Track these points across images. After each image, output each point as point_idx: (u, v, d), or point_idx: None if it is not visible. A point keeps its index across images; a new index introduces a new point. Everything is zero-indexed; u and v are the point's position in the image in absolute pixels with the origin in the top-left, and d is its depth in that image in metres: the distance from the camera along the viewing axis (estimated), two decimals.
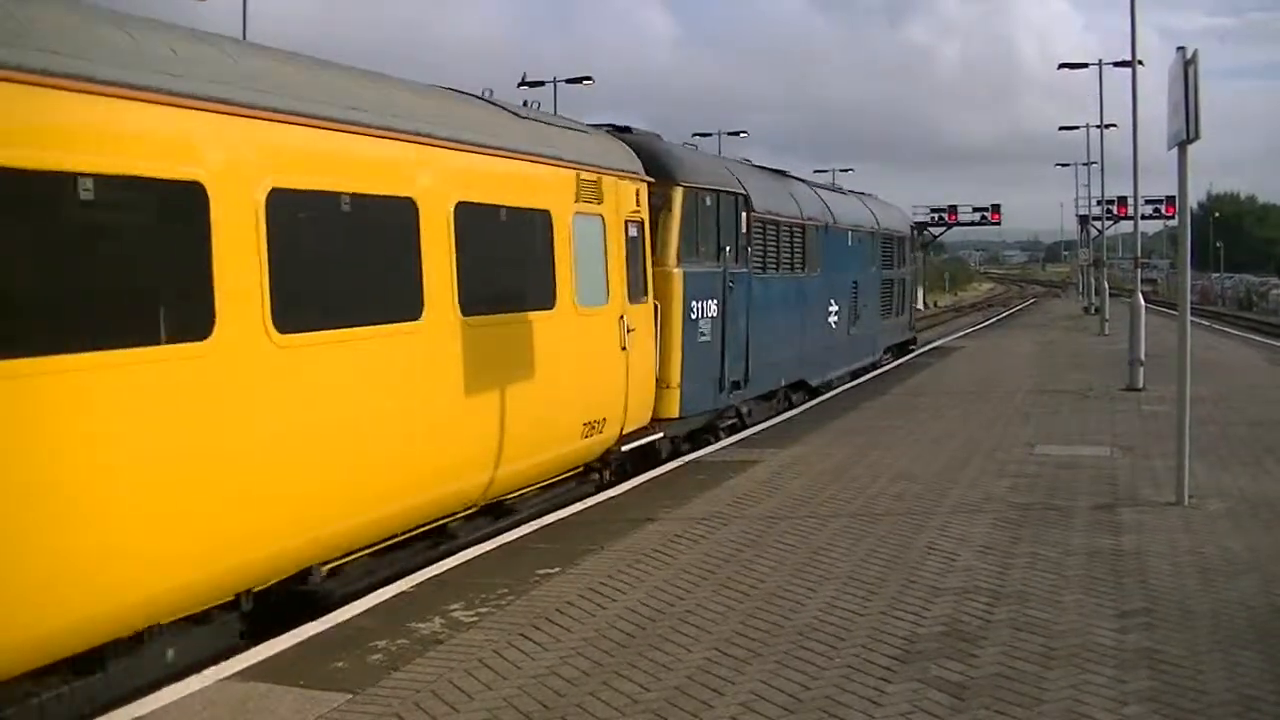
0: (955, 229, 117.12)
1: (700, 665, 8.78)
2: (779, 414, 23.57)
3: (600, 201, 15.83)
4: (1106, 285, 54.51)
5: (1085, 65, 55.02)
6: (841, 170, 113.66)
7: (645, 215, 17.38)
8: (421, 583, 11.21)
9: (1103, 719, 7.64)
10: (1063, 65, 55.32)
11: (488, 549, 12.56)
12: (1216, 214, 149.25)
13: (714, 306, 19.54)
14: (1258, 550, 11.96)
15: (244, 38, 30.84)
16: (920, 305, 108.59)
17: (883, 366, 34.02)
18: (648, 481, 16.30)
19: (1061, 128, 74.95)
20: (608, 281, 15.99)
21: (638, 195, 17.19)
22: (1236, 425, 20.42)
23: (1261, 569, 11.24)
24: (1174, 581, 10.84)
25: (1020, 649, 9.01)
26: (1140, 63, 30.88)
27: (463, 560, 12.07)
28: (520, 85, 55.37)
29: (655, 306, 17.52)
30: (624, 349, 16.30)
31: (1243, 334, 50.36)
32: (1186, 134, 13.62)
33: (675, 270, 18.30)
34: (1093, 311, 60.96)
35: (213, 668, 9.00)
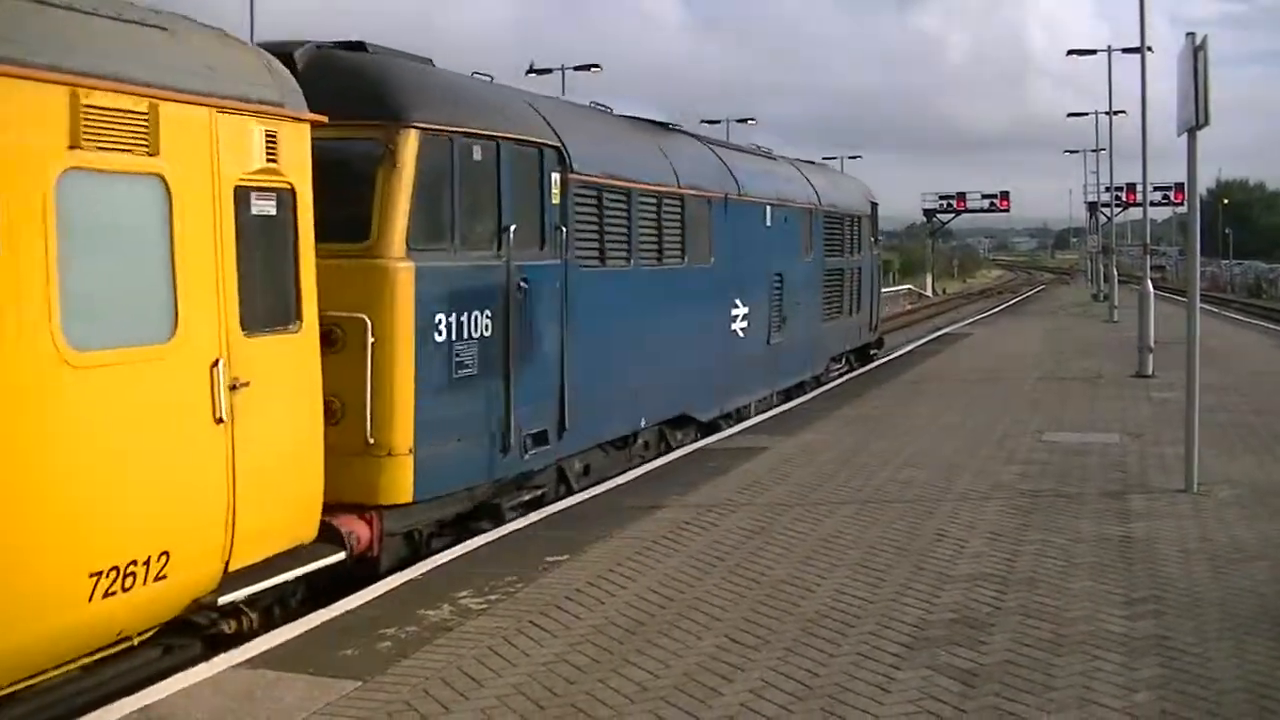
0: (964, 216, 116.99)
1: (709, 653, 8.78)
2: (644, 464, 16.77)
3: (155, 150, 8.57)
4: (1115, 272, 54.45)
5: (1094, 52, 54.87)
6: (850, 157, 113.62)
7: (301, 178, 10.08)
8: (431, 570, 11.21)
9: (1112, 705, 7.64)
10: (1072, 52, 55.12)
11: (496, 537, 12.55)
12: (1225, 201, 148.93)
13: (487, 319, 12.60)
14: (1267, 537, 11.94)
15: (251, 32, 30.75)
16: (929, 292, 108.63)
17: (830, 382, 27.05)
18: (656, 469, 16.27)
19: (1070, 114, 74.59)
20: (176, 298, 8.74)
21: (272, 142, 9.74)
22: (1246, 412, 20.40)
23: (1271, 556, 11.23)
24: (1183, 568, 10.83)
25: (1030, 636, 9.01)
26: (1149, 49, 30.86)
27: (472, 548, 12.07)
28: (528, 73, 55.43)
29: (365, 324, 11.03)
30: (221, 420, 9.02)
31: (1252, 321, 50.27)
32: (1196, 120, 13.60)
33: (398, 264, 11.44)
34: (1101, 298, 60.90)
35: (221, 655, 9.00)
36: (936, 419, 20.34)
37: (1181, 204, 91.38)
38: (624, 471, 16.13)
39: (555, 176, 14.02)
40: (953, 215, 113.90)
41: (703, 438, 19.01)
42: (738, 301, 20.54)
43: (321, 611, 10.01)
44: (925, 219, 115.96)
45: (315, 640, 9.27)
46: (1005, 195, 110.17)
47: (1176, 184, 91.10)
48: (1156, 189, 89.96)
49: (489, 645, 9.02)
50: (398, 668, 8.60)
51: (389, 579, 10.95)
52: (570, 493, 14.73)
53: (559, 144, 14.20)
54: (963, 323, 51.54)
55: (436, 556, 11.76)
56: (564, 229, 14.10)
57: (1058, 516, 12.92)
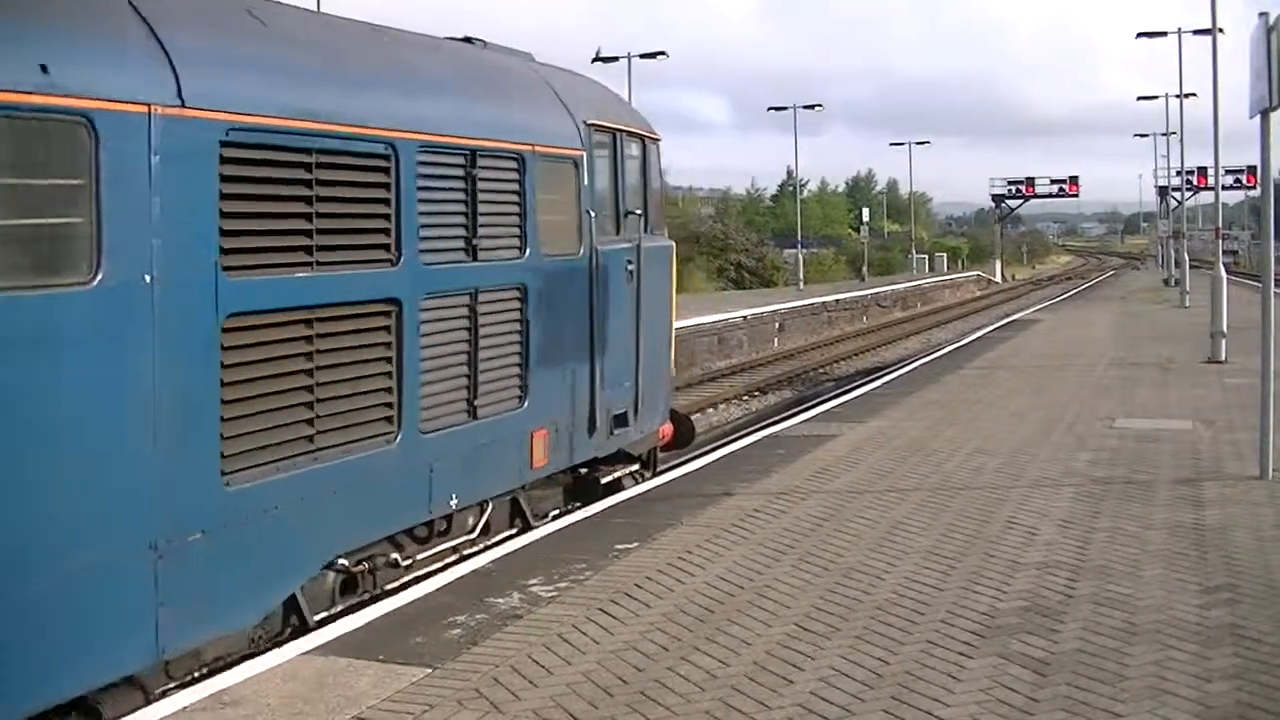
0: (1033, 201, 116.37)
1: (778, 640, 8.76)
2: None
3: None
4: (1186, 257, 53.82)
5: (1164, 34, 54.27)
6: (918, 143, 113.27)
7: None
8: (500, 558, 11.25)
9: (1187, 696, 7.56)
10: (1141, 34, 54.58)
11: (566, 524, 12.59)
12: None
13: None
14: None
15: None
16: (998, 278, 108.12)
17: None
18: (726, 456, 16.27)
19: (1140, 98, 74.07)
20: None
21: None
22: None
23: None
24: (1258, 556, 10.71)
25: (1102, 625, 8.93)
26: (1220, 30, 30.50)
27: (541, 535, 12.11)
28: (594, 61, 55.54)
29: None
30: None
31: None
32: (1269, 101, 13.43)
33: None
34: (1173, 284, 60.35)
35: (292, 643, 9.07)
36: (1007, 405, 20.21)
37: (1254, 187, 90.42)
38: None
39: None
40: (1021, 201, 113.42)
41: None
42: None
43: (391, 599, 10.07)
44: (994, 204, 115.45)
45: (386, 628, 9.31)
46: (1074, 180, 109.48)
47: (1249, 167, 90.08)
48: (1228, 172, 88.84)
49: (558, 633, 9.04)
50: (468, 655, 8.63)
51: (458, 567, 10.99)
52: None
53: None
54: (1032, 309, 51.26)
55: (506, 544, 11.81)
56: None
57: (1130, 504, 12.81)
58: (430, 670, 8.35)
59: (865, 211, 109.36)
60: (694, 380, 34.13)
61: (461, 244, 11.26)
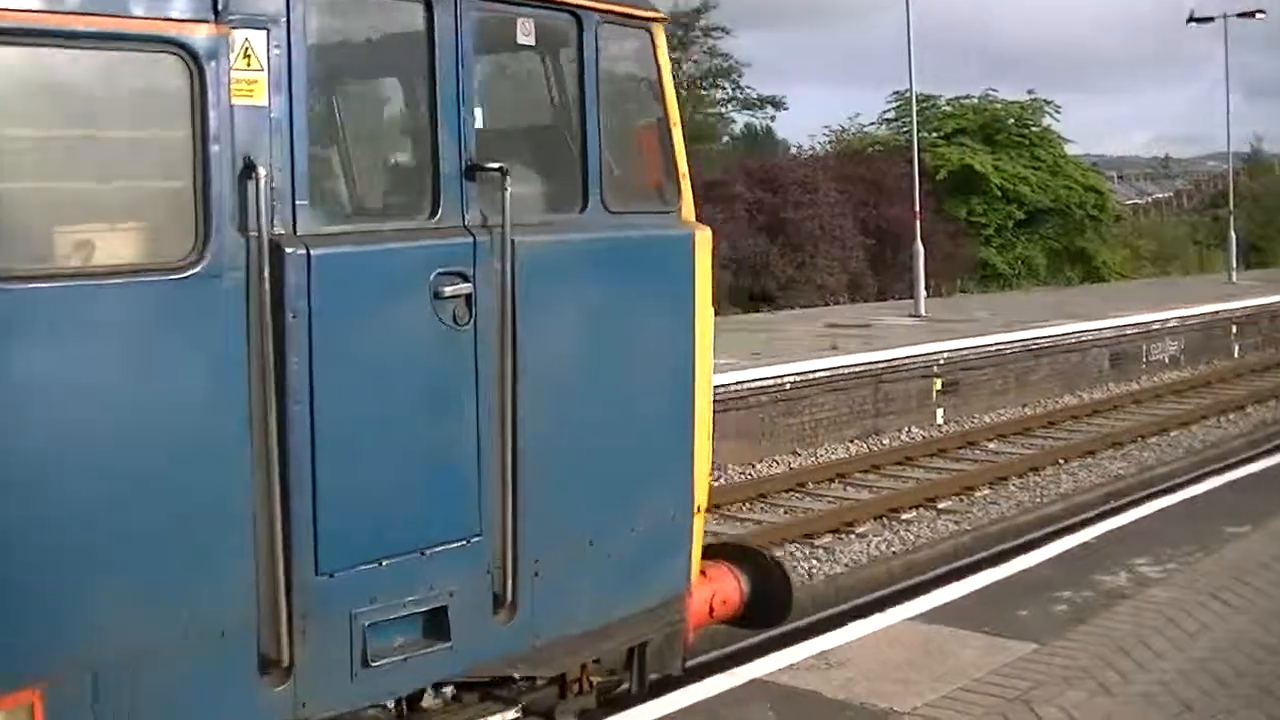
0: None
1: None
2: None
3: None
4: None
5: None
6: None
7: None
8: (1103, 534, 11.08)
9: None
10: None
11: (1171, 503, 12.27)
12: None
13: None
14: None
15: None
16: None
17: None
18: None
19: None
20: None
21: None
22: None
23: None
24: None
25: None
26: None
27: (1145, 514, 11.86)
28: (1189, 21, 53.63)
29: None
30: None
31: None
32: None
33: None
34: None
35: (896, 608, 9.28)
36: None
37: None
38: None
39: None
40: None
41: None
42: None
43: (993, 570, 10.15)
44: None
45: (989, 598, 9.38)
46: None
47: None
48: None
49: (1168, 616, 8.82)
50: (1074, 633, 8.56)
51: (1060, 540, 10.94)
52: None
53: None
54: None
55: (1112, 519, 11.66)
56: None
57: None
58: (1036, 646, 8.33)
59: None
60: None
61: None
